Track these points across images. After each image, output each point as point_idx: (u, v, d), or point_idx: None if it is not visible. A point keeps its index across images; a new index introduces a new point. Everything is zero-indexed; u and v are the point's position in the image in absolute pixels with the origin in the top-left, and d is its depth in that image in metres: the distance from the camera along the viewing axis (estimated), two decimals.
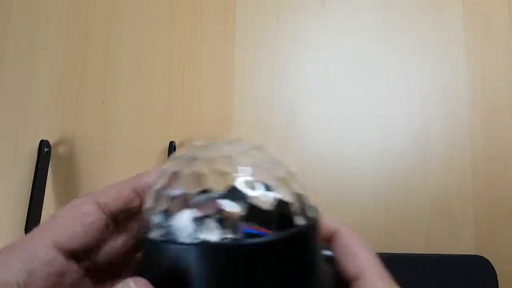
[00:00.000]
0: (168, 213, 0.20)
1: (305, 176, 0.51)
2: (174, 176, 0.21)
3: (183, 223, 0.19)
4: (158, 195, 0.21)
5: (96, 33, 0.57)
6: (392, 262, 0.52)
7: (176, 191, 0.21)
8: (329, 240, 0.23)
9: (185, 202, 0.20)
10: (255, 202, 0.20)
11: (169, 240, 0.19)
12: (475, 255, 0.46)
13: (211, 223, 0.19)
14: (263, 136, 0.53)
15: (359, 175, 0.51)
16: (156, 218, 0.21)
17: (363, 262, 0.22)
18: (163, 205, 0.21)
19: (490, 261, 0.46)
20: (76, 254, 0.22)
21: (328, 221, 0.23)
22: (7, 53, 0.57)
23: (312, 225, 0.21)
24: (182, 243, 0.19)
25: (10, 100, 0.56)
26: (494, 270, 0.45)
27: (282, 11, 0.56)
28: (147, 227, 0.21)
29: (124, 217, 0.23)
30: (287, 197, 0.20)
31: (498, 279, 0.45)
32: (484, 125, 0.51)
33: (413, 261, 0.46)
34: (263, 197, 0.20)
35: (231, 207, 0.20)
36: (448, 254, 0.47)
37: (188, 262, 0.18)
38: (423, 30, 0.54)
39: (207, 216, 0.19)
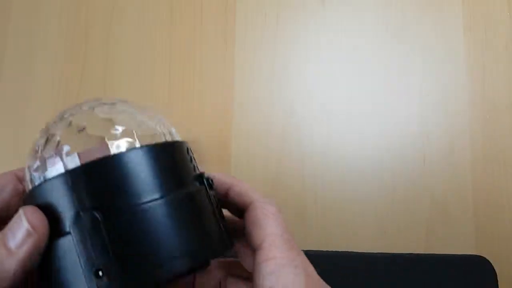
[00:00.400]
0: (30, 169, 0.23)
1: (305, 176, 0.51)
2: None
3: (39, 168, 0.23)
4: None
5: (96, 33, 0.57)
6: (392, 262, 0.52)
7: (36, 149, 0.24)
8: (244, 211, 0.24)
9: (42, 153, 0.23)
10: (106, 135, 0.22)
11: (36, 185, 0.22)
12: (475, 255, 0.46)
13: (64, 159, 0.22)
14: (263, 136, 0.53)
15: (358, 175, 0.51)
16: (26, 177, 0.24)
17: (267, 233, 0.23)
18: (27, 164, 0.24)
19: (490, 261, 0.46)
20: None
21: (247, 191, 0.24)
22: (7, 53, 0.57)
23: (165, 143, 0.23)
24: (44, 181, 0.22)
25: (10, 100, 0.56)
26: (494, 270, 0.45)
27: (282, 11, 0.56)
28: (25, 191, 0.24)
29: None
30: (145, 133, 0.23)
31: (498, 279, 0.45)
32: (484, 125, 0.51)
33: (413, 261, 0.46)
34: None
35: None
36: (448, 254, 0.47)
37: (53, 193, 0.21)
38: (423, 30, 0.54)
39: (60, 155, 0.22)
